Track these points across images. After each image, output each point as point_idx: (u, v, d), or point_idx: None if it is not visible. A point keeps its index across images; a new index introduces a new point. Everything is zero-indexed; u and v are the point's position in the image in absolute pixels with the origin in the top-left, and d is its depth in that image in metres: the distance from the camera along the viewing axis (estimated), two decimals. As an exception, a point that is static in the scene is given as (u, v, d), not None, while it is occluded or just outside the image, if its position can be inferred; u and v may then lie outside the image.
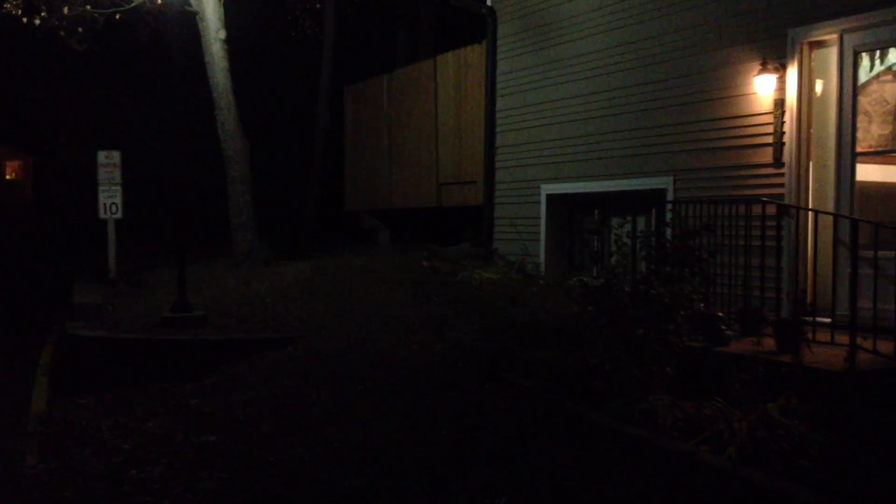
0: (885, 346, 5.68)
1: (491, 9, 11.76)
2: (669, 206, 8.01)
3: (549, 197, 10.78)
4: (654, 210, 9.47)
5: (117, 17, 13.66)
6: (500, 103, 11.67)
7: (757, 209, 7.02)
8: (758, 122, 7.93)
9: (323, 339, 8.54)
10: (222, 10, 13.02)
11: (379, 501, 4.60)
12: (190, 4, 12.71)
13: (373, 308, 9.43)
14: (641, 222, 9.59)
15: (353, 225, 17.02)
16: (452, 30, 17.99)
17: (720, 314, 6.72)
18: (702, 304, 6.51)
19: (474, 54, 12.52)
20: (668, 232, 7.13)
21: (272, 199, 17.67)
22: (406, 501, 4.56)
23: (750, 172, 7.99)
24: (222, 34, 12.97)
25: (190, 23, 13.01)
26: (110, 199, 12.60)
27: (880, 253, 6.11)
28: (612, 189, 9.78)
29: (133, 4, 13.52)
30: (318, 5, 18.05)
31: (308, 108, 18.55)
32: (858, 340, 5.63)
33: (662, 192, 8.95)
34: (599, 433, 5.61)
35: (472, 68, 12.60)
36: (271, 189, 17.88)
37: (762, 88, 7.76)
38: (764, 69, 7.67)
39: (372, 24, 20.70)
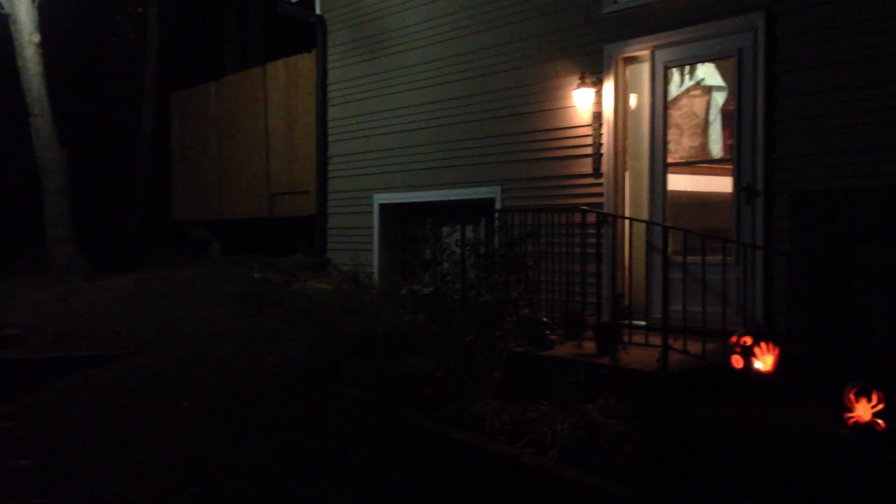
0: (694, 347, 6.02)
1: (321, 17, 11.69)
2: (497, 215, 8.22)
3: (383, 207, 10.82)
4: (483, 219, 9.68)
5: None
6: (332, 112, 11.62)
7: (578, 217, 7.31)
8: (578, 134, 8.25)
9: (148, 356, 8.21)
10: (37, 12, 12.32)
11: (203, 521, 4.46)
12: (2, 7, 11.97)
13: (202, 322, 9.15)
14: (474, 231, 9.78)
15: (182, 236, 16.46)
16: (284, 37, 17.76)
17: (545, 319, 6.94)
18: (527, 310, 6.69)
19: (305, 62, 12.41)
20: (497, 240, 7.30)
21: (94, 209, 16.85)
22: (232, 520, 4.45)
23: (572, 182, 8.31)
24: (36, 38, 12.26)
25: (2, 25, 12.26)
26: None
27: (689, 258, 6.49)
28: (444, 199, 9.92)
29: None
30: (141, 10, 17.40)
31: (134, 115, 17.85)
32: (670, 341, 5.94)
33: (491, 201, 9.17)
34: (430, 440, 5.67)
35: (303, 77, 12.48)
36: (94, 199, 17.06)
37: (581, 102, 8.09)
38: (582, 83, 8.00)
39: (199, 29, 20.13)
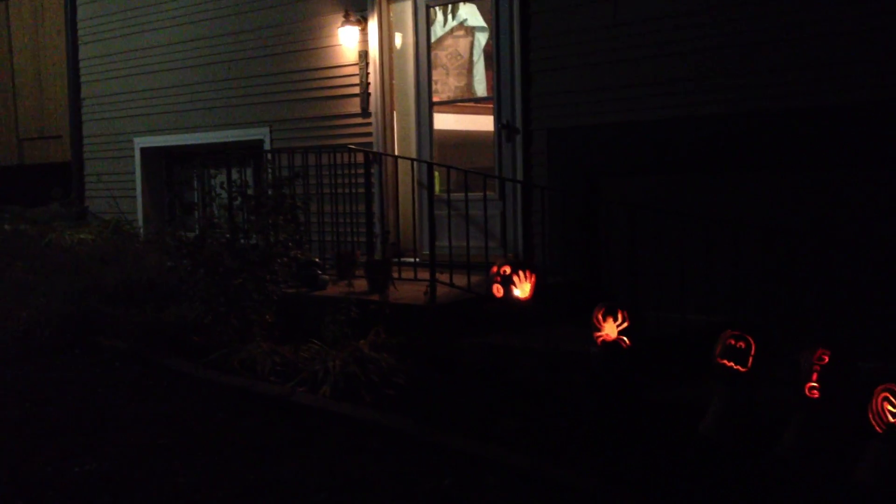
0: (461, 280, 6.20)
1: (66, -54, 10.82)
2: (268, 157, 8.05)
3: (144, 150, 10.30)
4: (253, 161, 9.46)
5: None
6: (83, 51, 10.84)
7: (347, 157, 7.29)
8: (346, 74, 8.18)
9: None
10: None
11: (-53, 490, 4.13)
12: None
13: (-59, 281, 8.37)
14: (245, 173, 9.53)
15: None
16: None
17: (317, 260, 6.93)
18: (298, 252, 6.64)
19: (51, -3, 11.50)
20: (266, 182, 7.16)
21: None
22: (-20, 485, 4.15)
23: (342, 122, 8.26)
24: None
25: None
26: None
27: (454, 195, 6.65)
28: (210, 141, 9.57)
29: None
30: None
31: None
32: (438, 276, 6.10)
33: (260, 142, 8.97)
34: (198, 387, 5.56)
35: (50, 13, 11.58)
36: None
37: (347, 40, 8.02)
38: (347, 21, 7.92)
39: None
